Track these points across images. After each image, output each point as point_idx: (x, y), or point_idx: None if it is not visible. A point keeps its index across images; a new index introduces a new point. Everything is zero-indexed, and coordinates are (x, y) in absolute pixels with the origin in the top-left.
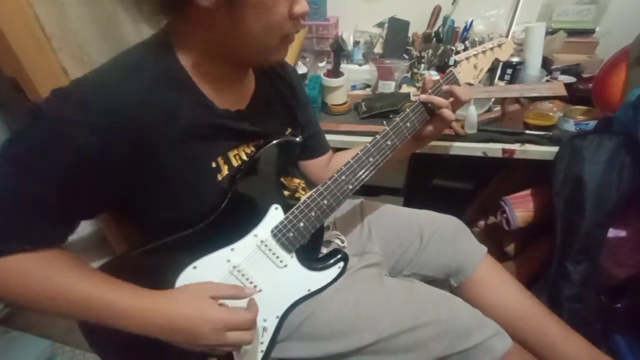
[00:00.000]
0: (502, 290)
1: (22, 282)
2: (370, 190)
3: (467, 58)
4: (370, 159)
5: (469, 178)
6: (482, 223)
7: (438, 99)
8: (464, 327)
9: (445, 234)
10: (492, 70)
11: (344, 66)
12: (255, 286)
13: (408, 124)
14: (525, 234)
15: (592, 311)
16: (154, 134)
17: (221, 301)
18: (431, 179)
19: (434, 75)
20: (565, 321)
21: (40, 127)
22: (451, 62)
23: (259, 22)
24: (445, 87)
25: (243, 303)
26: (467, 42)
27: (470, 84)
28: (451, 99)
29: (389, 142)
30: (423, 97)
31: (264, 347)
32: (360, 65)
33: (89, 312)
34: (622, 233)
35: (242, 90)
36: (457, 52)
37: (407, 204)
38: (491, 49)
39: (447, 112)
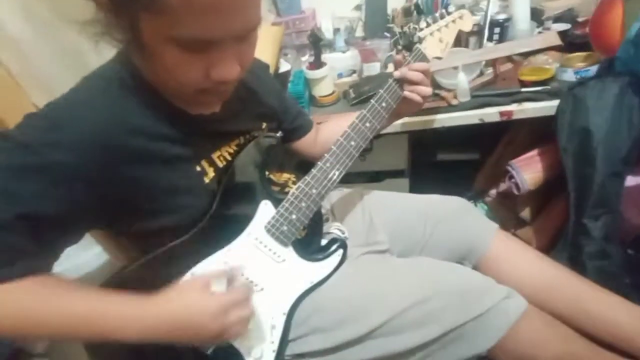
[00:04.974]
0: (521, 263)
1: (9, 313)
2: (373, 176)
3: (430, 34)
4: (352, 143)
5: (474, 147)
6: (493, 192)
7: (412, 73)
8: (472, 292)
9: (450, 216)
10: (479, 33)
11: (327, 55)
12: (256, 285)
13: (384, 104)
14: (539, 197)
15: (619, 266)
16: (130, 146)
17: (212, 290)
18: (435, 154)
19: None
20: (591, 280)
21: (14, 150)
22: (416, 40)
23: (167, 75)
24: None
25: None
26: (429, 19)
27: (439, 58)
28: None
29: (367, 124)
30: (397, 73)
31: (275, 346)
32: (344, 52)
33: (82, 330)
34: None
35: None
36: (421, 29)
37: (413, 184)
38: (453, 21)
39: (421, 89)
